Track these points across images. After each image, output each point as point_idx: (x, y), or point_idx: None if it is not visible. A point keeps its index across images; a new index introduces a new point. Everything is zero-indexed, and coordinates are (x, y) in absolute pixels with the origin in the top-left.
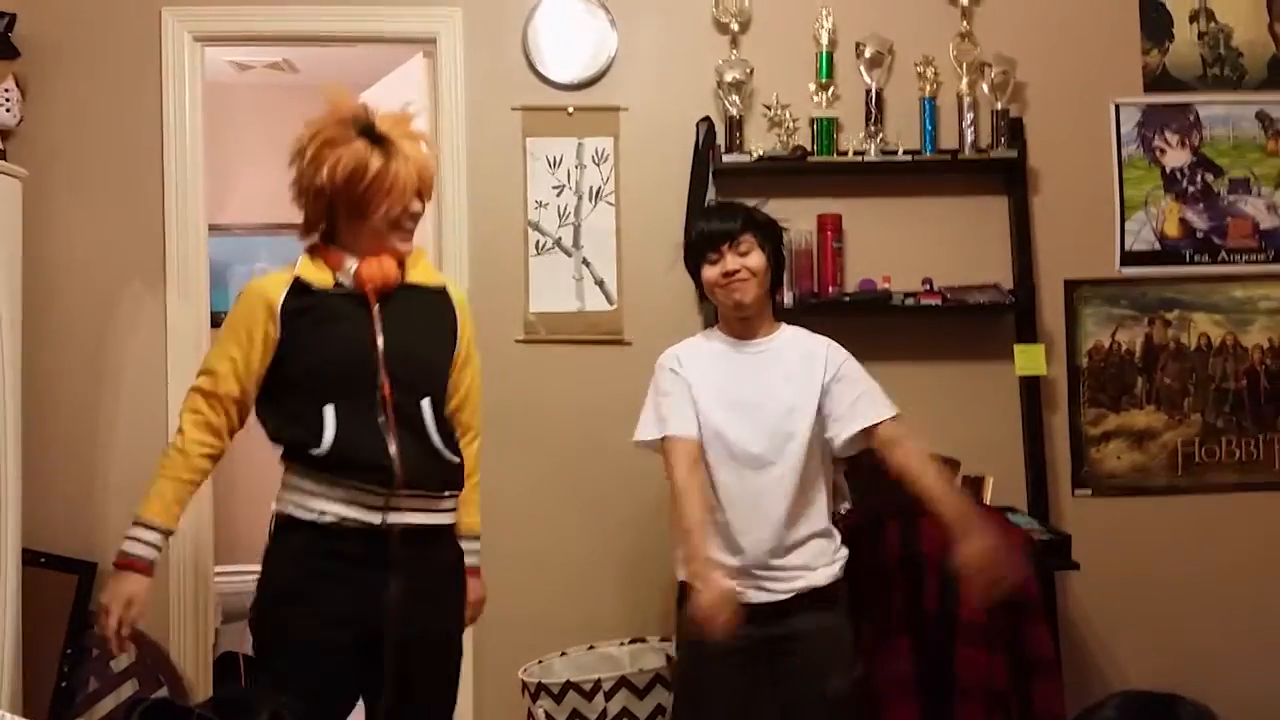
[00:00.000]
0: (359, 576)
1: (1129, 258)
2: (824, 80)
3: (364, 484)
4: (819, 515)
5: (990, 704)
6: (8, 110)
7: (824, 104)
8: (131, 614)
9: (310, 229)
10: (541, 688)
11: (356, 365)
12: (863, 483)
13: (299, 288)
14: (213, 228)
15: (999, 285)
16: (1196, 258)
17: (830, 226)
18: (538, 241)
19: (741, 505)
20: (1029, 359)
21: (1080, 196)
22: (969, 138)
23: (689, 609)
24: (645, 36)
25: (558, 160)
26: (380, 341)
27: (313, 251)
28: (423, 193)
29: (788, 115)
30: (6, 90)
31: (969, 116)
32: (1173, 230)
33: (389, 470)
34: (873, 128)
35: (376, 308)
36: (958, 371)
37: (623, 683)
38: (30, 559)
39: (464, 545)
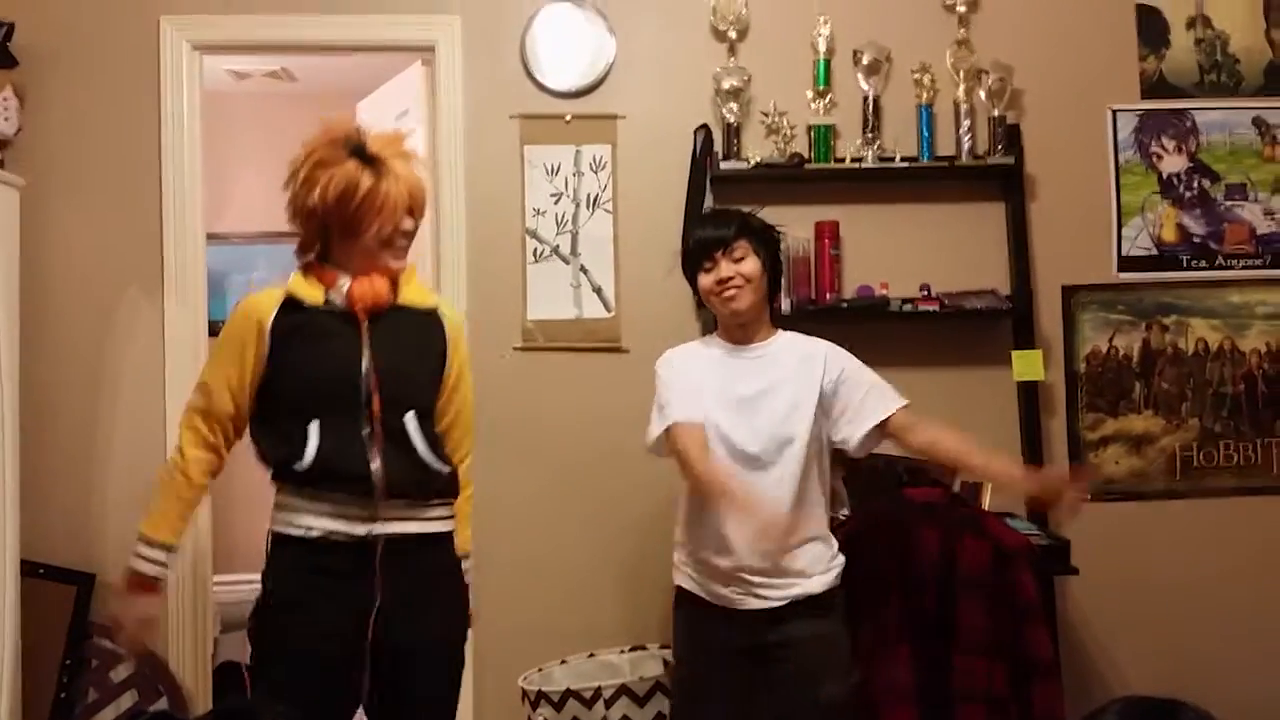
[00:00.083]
0: (348, 588)
1: (1126, 263)
2: (821, 87)
3: (347, 496)
4: (817, 519)
5: (990, 710)
6: (6, 119)
7: (821, 111)
8: (146, 632)
9: (305, 249)
10: (542, 695)
11: (342, 383)
12: (861, 489)
13: (290, 305)
14: (210, 236)
15: (996, 291)
16: (1193, 263)
17: (828, 233)
18: (535, 249)
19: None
20: (1027, 364)
21: (1077, 202)
22: (966, 144)
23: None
24: (643, 44)
25: (556, 168)
26: (366, 359)
27: (306, 268)
28: (414, 211)
29: (785, 122)
30: (5, 99)
31: (966, 123)
32: (1170, 236)
33: (369, 481)
34: (870, 135)
35: (365, 326)
36: (955, 377)
37: (623, 690)
38: (29, 570)
39: None
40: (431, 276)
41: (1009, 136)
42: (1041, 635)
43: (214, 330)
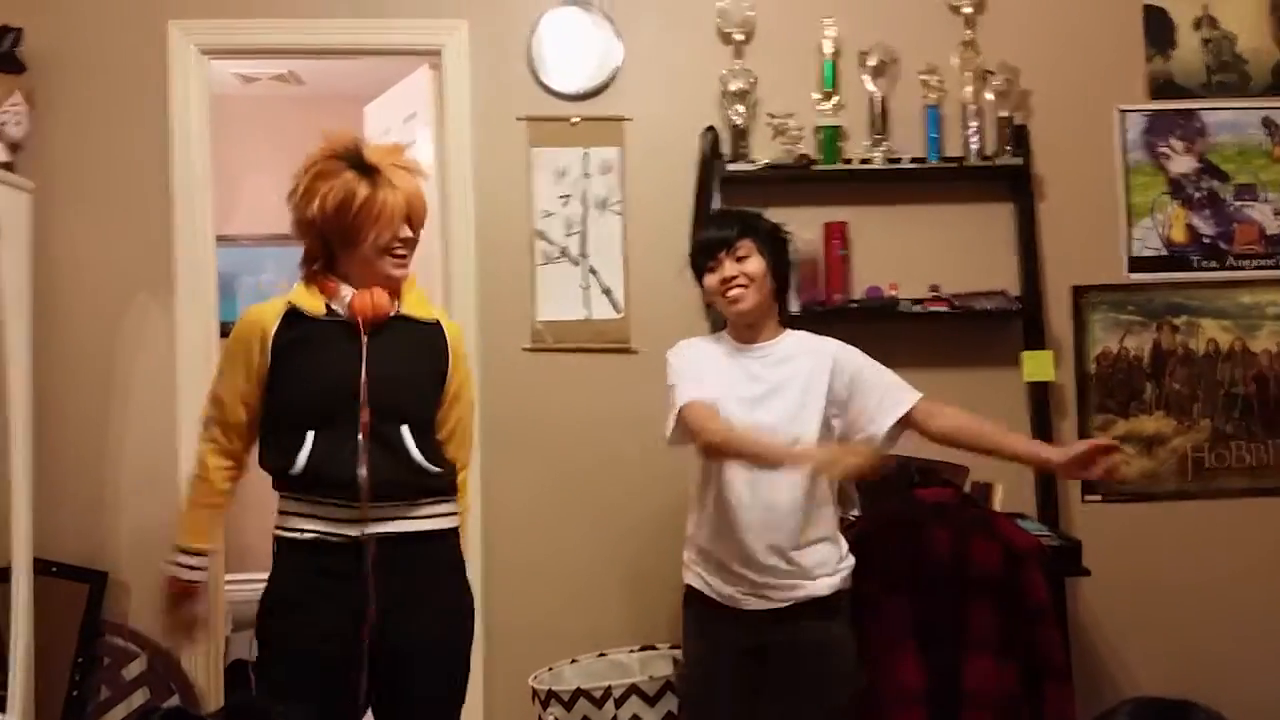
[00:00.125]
0: (344, 588)
1: (1136, 264)
2: (828, 89)
3: (335, 500)
4: (826, 520)
5: (1001, 711)
6: (16, 124)
7: (828, 112)
8: (193, 631)
9: (310, 260)
10: (552, 695)
11: (338, 393)
12: (871, 489)
13: (292, 315)
14: (220, 238)
15: (1006, 292)
16: (1204, 263)
17: (836, 234)
18: (545, 251)
19: (749, 504)
20: (1037, 365)
21: (1086, 203)
22: (974, 145)
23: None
24: (650, 47)
25: (564, 170)
26: (364, 370)
27: (310, 278)
28: (413, 220)
29: (792, 124)
30: (14, 104)
31: (973, 124)
32: (1180, 236)
33: (355, 485)
34: (877, 136)
35: (365, 339)
36: (965, 378)
37: (633, 690)
38: (41, 568)
39: None
40: (441, 279)
41: (1017, 137)
42: (1052, 636)
43: (224, 331)
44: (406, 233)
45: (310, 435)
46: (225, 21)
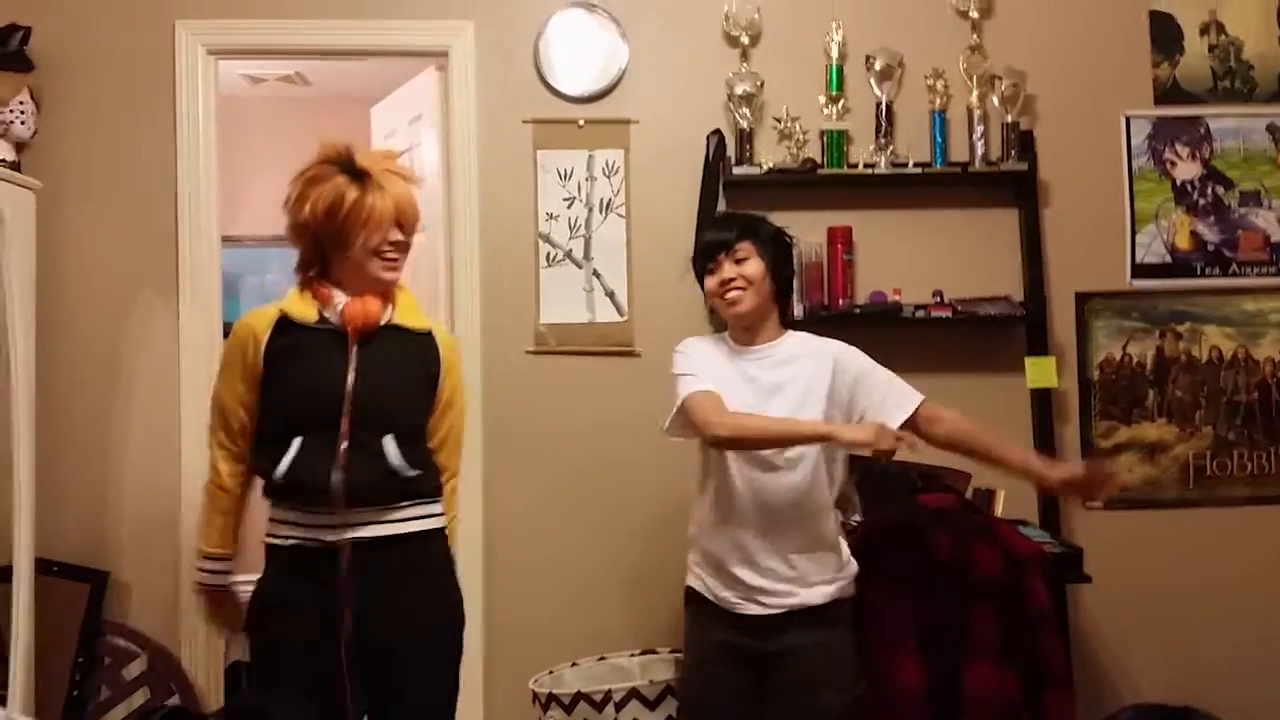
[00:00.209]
0: (322, 591)
1: (1140, 270)
2: (834, 93)
3: (312, 507)
4: (826, 525)
5: (1001, 718)
6: (23, 123)
7: (834, 117)
8: (228, 629)
9: (304, 265)
10: (552, 698)
11: (324, 401)
12: (873, 494)
13: (284, 322)
14: (225, 239)
15: (1009, 297)
16: (1208, 270)
17: (840, 239)
18: (548, 253)
19: (747, 507)
20: (1040, 371)
21: (1091, 209)
22: (979, 150)
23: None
24: (656, 50)
25: (568, 172)
26: (350, 379)
27: (304, 285)
28: (404, 224)
29: (798, 128)
30: (21, 103)
31: (979, 129)
32: (1184, 243)
33: (328, 493)
34: (883, 140)
35: (355, 348)
36: (968, 384)
37: (633, 694)
38: (43, 567)
39: None
40: (445, 281)
41: (1022, 142)
42: (1054, 643)
43: (228, 331)
44: (397, 236)
45: (297, 442)
46: (233, 22)
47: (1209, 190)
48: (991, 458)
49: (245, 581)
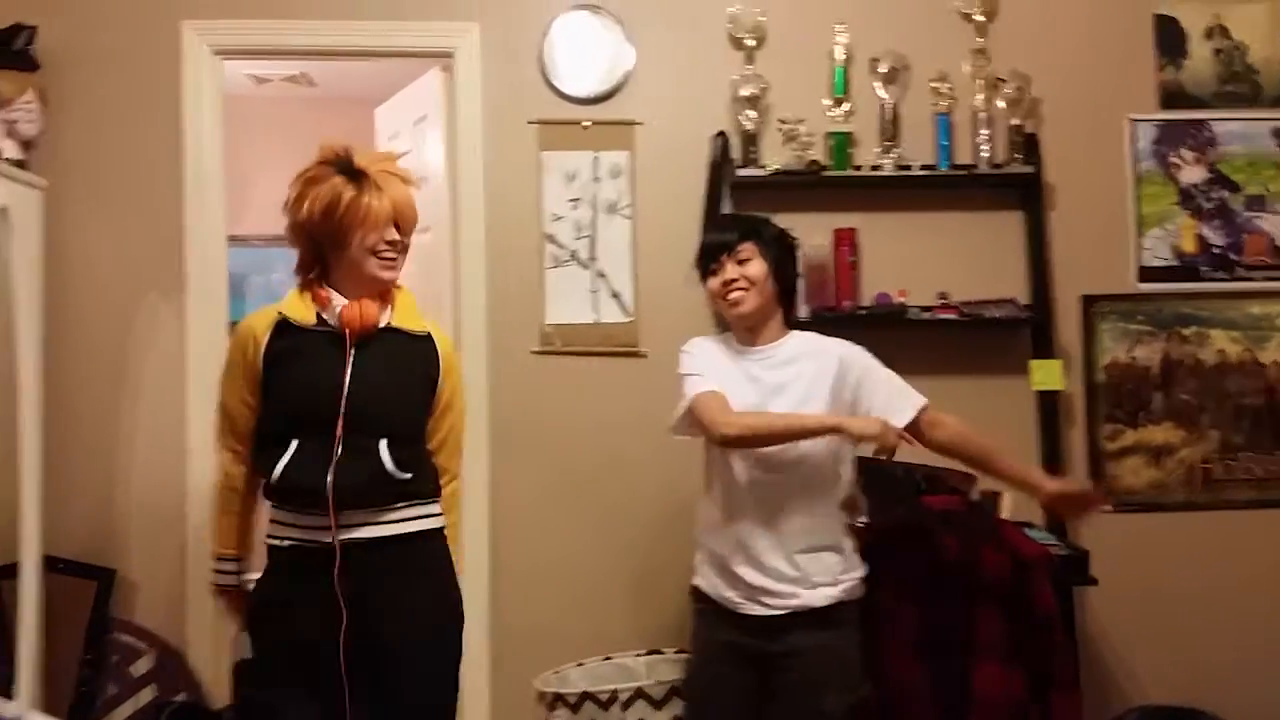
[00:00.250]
0: (318, 592)
1: (1146, 273)
2: (839, 95)
3: (306, 509)
4: (829, 525)
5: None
6: (29, 122)
7: (839, 119)
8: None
9: (303, 267)
10: (558, 698)
11: (321, 403)
12: (879, 496)
13: (283, 325)
14: (230, 238)
15: (1015, 300)
16: (1213, 274)
17: (846, 240)
18: (554, 254)
19: (751, 506)
20: (1046, 374)
21: (1096, 212)
22: (984, 153)
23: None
24: (661, 51)
25: (574, 174)
26: (347, 382)
27: (304, 287)
28: (401, 224)
29: (803, 130)
30: (28, 102)
31: (984, 132)
32: (1189, 246)
33: (322, 495)
34: (888, 142)
35: (353, 351)
36: (974, 386)
37: (639, 694)
38: (50, 565)
39: None
40: (450, 282)
41: (1027, 145)
42: (1060, 646)
43: (234, 330)
44: (393, 235)
45: (294, 444)
46: (238, 22)
47: (1214, 194)
48: (990, 466)
49: (251, 580)
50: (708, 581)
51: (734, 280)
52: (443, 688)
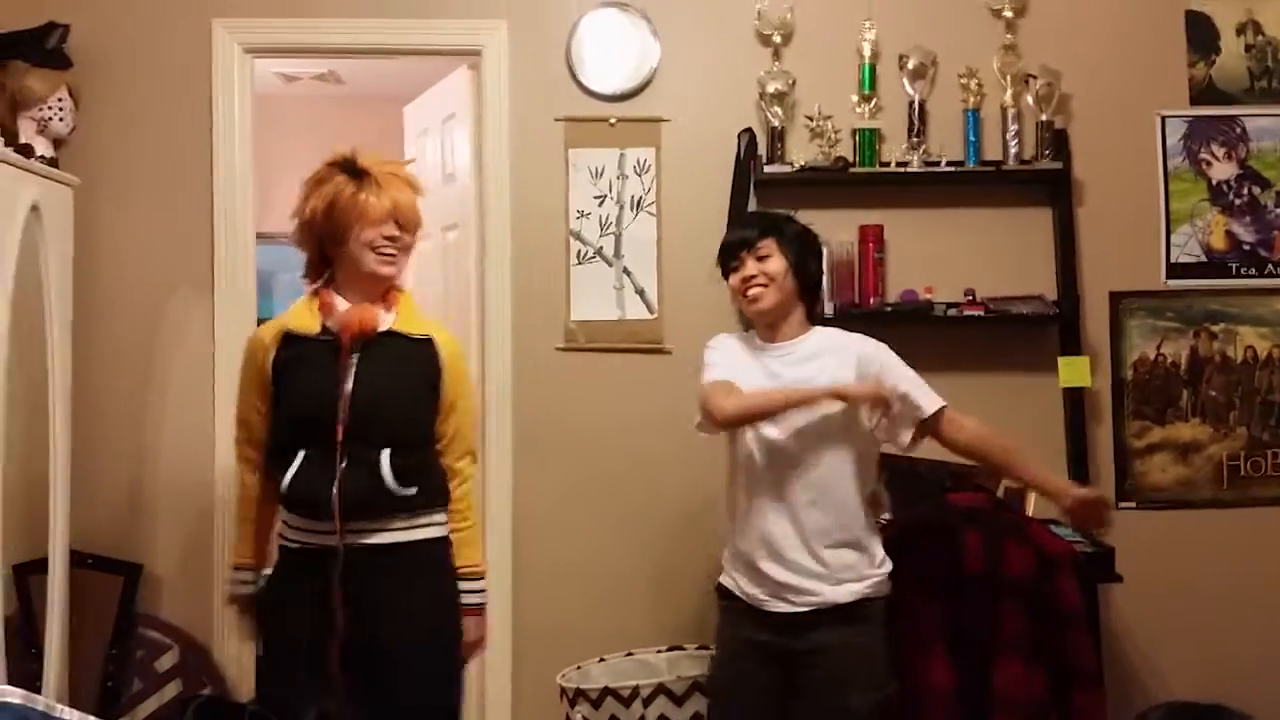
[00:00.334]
0: (320, 594)
1: (1174, 270)
2: (866, 92)
3: (313, 516)
4: (856, 522)
5: (1030, 717)
6: (61, 119)
7: (866, 115)
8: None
9: (311, 270)
10: (579, 693)
11: (323, 413)
12: (903, 493)
13: (288, 336)
14: (259, 236)
15: (1043, 297)
16: (1243, 270)
17: (872, 237)
18: (579, 251)
19: (771, 500)
20: (1073, 371)
21: (1125, 208)
22: (1013, 149)
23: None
24: (687, 48)
25: (600, 171)
26: (347, 391)
27: (313, 294)
28: (402, 222)
29: (830, 126)
30: (60, 100)
31: (1013, 128)
32: (1219, 243)
33: (327, 507)
34: (915, 139)
35: (354, 358)
36: (1000, 383)
37: (661, 690)
38: (78, 560)
39: (462, 585)
40: (476, 278)
41: (1056, 142)
42: (1085, 643)
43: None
44: (393, 231)
45: (300, 455)
46: (268, 20)
47: (1245, 190)
48: (1011, 470)
49: None
50: (733, 579)
51: (753, 276)
52: (441, 689)
